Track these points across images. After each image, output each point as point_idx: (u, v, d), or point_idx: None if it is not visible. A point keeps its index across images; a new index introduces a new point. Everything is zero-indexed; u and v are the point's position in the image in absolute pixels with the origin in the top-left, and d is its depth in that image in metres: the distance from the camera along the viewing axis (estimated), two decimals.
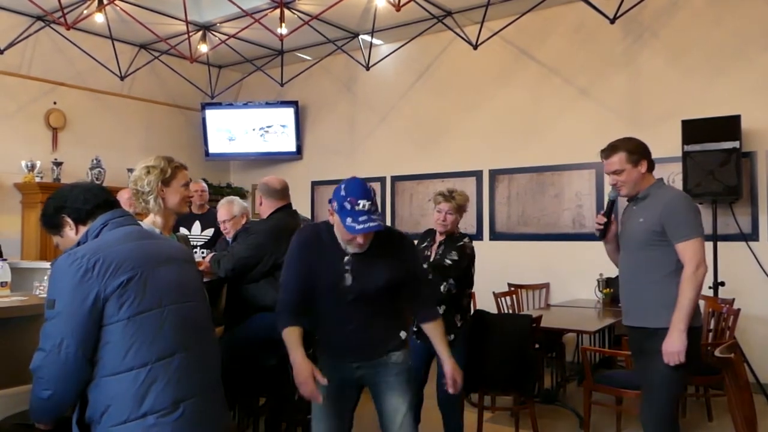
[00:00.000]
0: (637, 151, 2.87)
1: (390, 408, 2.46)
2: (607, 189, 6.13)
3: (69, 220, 1.85)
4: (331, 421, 2.45)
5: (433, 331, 2.49)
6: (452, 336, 3.23)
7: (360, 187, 2.51)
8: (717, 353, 2.58)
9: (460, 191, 3.52)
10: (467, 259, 3.43)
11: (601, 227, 2.99)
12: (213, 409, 1.81)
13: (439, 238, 3.53)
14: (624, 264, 2.95)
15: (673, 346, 2.66)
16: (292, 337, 2.29)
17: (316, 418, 2.45)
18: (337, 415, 2.47)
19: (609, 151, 2.91)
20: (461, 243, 3.44)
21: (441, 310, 3.28)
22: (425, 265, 3.31)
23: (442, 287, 3.36)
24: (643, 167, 2.86)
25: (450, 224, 3.44)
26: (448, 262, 3.36)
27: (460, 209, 3.47)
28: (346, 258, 2.37)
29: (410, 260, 2.53)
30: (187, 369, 1.74)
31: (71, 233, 1.85)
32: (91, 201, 1.86)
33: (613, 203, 3.01)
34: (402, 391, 2.46)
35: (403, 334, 2.51)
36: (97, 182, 2.00)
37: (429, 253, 3.52)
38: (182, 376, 1.72)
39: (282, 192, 3.44)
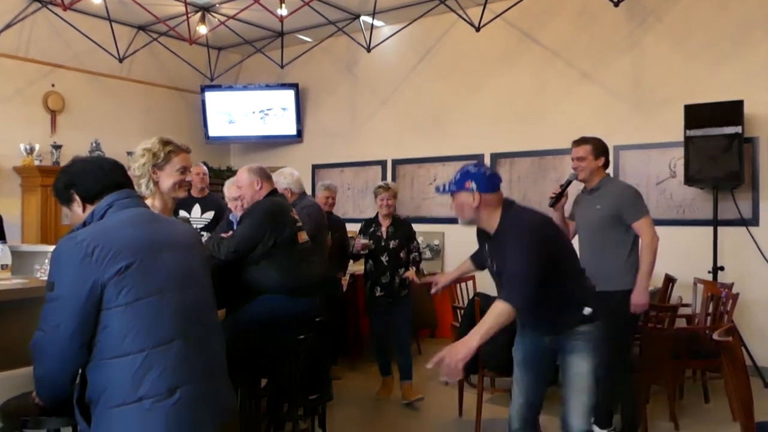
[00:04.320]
0: (600, 148, 3.69)
1: (571, 372, 2.75)
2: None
3: (77, 197, 1.84)
4: (528, 381, 2.88)
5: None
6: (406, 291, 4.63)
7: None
8: (715, 337, 2.59)
9: (393, 183, 4.31)
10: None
11: (554, 197, 3.71)
12: (214, 394, 1.81)
13: (385, 221, 4.69)
14: (584, 243, 3.67)
15: (640, 299, 3.45)
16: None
17: (515, 380, 2.91)
18: (534, 378, 2.89)
19: (580, 141, 3.71)
20: (408, 223, 4.84)
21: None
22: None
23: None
24: (600, 162, 3.67)
25: (392, 208, 4.68)
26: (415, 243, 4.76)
27: (395, 195, 4.71)
28: None
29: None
30: (186, 355, 1.73)
31: (78, 210, 1.85)
32: (101, 181, 1.84)
33: (569, 183, 3.75)
34: (585, 357, 2.67)
35: (587, 310, 2.66)
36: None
37: (380, 234, 4.67)
38: (181, 363, 1.71)
39: (271, 177, 3.53)
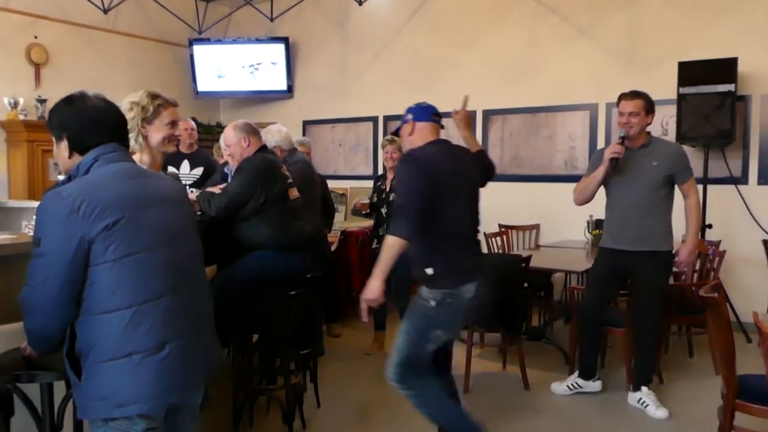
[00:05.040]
0: (651, 103, 3.54)
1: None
2: (601, 132, 6.11)
3: (67, 142, 1.78)
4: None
5: None
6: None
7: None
8: (701, 293, 2.64)
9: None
10: None
11: (617, 155, 3.48)
12: (201, 349, 1.82)
13: (390, 174, 4.65)
14: (632, 199, 3.55)
15: (690, 257, 3.61)
16: None
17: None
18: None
19: (632, 95, 3.53)
20: None
21: None
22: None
23: None
24: (650, 119, 3.55)
25: (396, 161, 4.40)
26: None
27: (400, 149, 4.31)
28: None
29: None
30: (175, 311, 1.73)
31: (65, 153, 1.79)
32: (97, 134, 1.77)
33: (624, 138, 3.52)
34: (408, 316, 2.75)
35: (429, 270, 2.67)
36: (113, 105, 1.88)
37: (384, 187, 4.74)
38: (169, 318, 1.72)
39: (260, 133, 3.49)
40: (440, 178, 2.64)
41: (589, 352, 3.84)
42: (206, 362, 1.85)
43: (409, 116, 2.81)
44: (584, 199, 3.71)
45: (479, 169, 2.91)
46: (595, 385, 3.85)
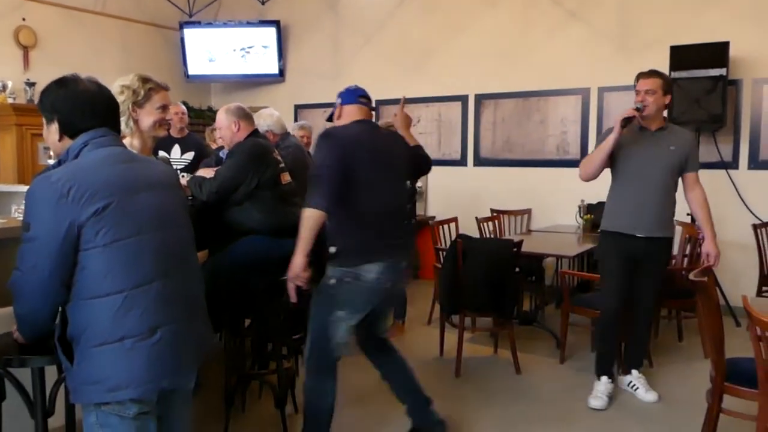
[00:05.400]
0: (669, 84, 3.45)
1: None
2: (593, 116, 6.10)
3: (57, 124, 1.76)
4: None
5: None
6: None
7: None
8: (691, 277, 2.66)
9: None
10: None
11: (628, 117, 3.34)
12: (193, 334, 1.82)
13: None
14: (649, 183, 3.42)
15: (716, 249, 3.48)
16: None
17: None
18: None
19: (650, 74, 3.42)
20: None
21: None
22: None
23: None
24: (667, 99, 3.42)
25: None
26: None
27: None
28: None
29: None
30: (166, 296, 1.73)
31: (55, 136, 1.77)
32: (88, 118, 1.75)
33: (639, 111, 3.38)
34: (315, 301, 2.75)
35: (332, 249, 2.67)
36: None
37: None
38: (161, 303, 1.71)
39: (252, 118, 3.46)
40: (356, 156, 2.63)
41: (613, 351, 3.64)
42: (198, 347, 1.86)
43: (338, 100, 2.85)
44: (589, 173, 3.50)
45: (409, 158, 2.92)
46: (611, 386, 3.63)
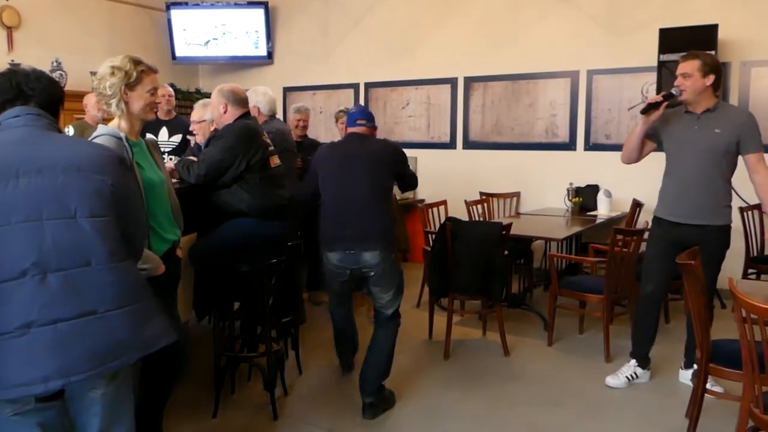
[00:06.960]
0: (710, 64, 3.20)
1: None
2: (582, 99, 6.09)
3: None
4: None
5: None
6: None
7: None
8: (678, 259, 2.68)
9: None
10: None
11: (654, 103, 3.23)
12: (89, 334, 1.60)
13: None
14: (689, 169, 3.27)
15: None
16: None
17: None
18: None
19: (688, 56, 3.24)
20: None
21: None
22: None
23: None
24: (709, 80, 3.18)
25: None
26: None
27: None
28: None
29: None
30: (45, 292, 1.56)
31: None
32: (2, 95, 1.75)
33: (671, 96, 3.24)
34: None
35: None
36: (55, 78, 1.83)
37: None
38: (36, 300, 1.55)
39: (245, 101, 3.41)
40: (328, 160, 3.27)
41: (650, 338, 3.61)
42: (99, 348, 1.61)
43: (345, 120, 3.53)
44: (628, 157, 3.45)
45: (391, 161, 3.26)
46: (647, 374, 3.64)
